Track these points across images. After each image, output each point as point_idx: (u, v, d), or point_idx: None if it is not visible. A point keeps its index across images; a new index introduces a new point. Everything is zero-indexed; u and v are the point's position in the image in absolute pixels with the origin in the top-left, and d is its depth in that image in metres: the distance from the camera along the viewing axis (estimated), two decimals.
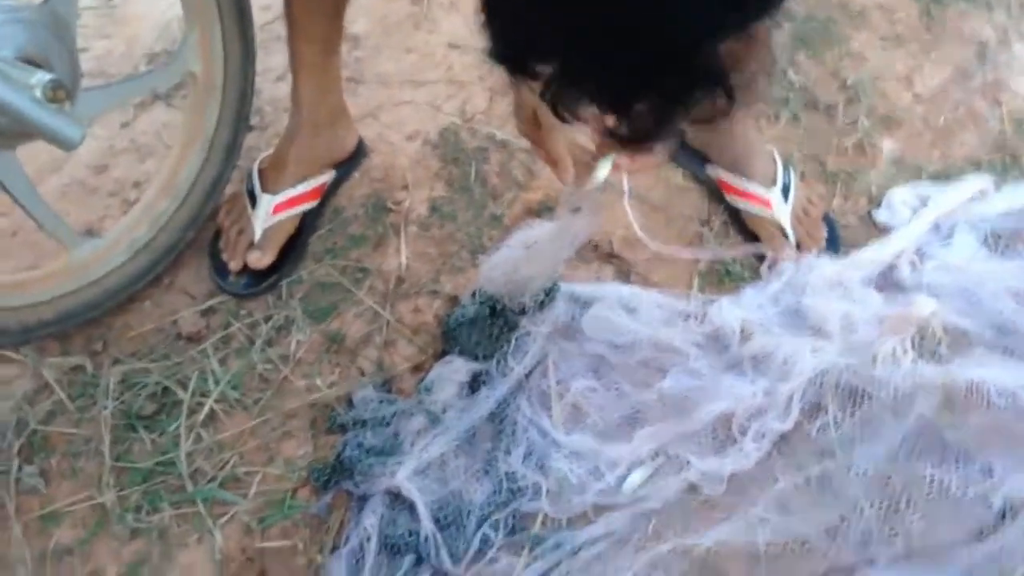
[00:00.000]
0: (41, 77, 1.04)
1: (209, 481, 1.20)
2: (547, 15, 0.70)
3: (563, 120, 0.78)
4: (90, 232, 1.43)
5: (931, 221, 1.43)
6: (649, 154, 1.06)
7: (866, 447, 1.19)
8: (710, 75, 0.72)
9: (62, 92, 1.06)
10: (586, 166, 1.06)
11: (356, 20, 1.76)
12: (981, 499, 1.12)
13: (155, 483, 1.20)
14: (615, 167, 1.05)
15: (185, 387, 1.27)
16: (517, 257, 1.26)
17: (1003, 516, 1.12)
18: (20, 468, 1.20)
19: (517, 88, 1.03)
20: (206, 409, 1.25)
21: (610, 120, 0.79)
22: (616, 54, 0.68)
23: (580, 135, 1.03)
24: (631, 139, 0.79)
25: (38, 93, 1.04)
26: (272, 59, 1.64)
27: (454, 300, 1.38)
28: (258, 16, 1.66)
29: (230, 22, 1.32)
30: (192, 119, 1.37)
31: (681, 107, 0.74)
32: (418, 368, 1.33)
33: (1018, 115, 1.63)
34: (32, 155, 1.28)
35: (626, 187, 1.25)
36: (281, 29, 1.38)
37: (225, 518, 1.18)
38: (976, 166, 1.54)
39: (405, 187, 1.52)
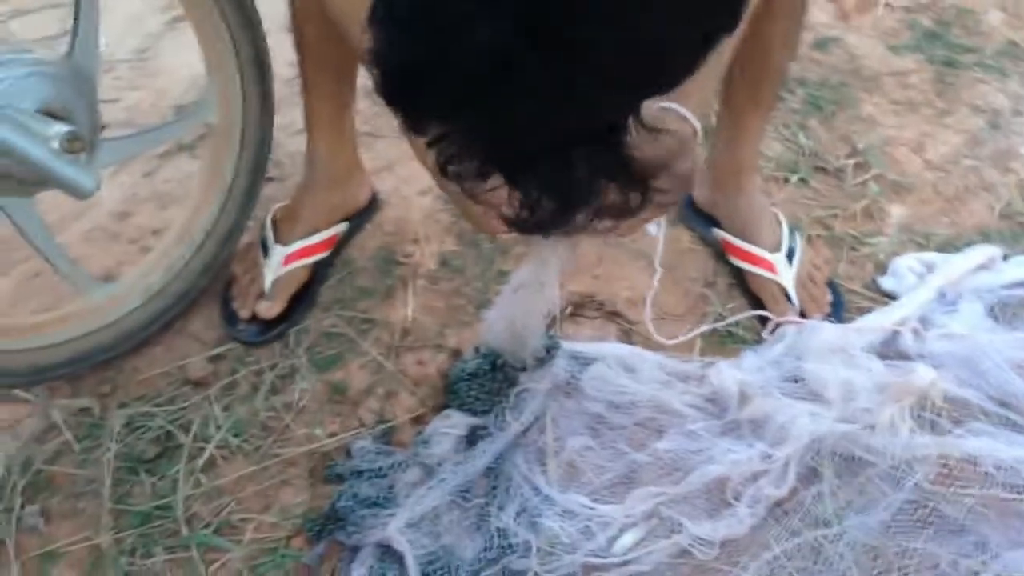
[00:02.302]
0: (59, 129, 1.09)
1: (205, 527, 1.22)
2: (440, 55, 0.61)
3: (452, 187, 0.73)
4: (108, 277, 1.47)
5: (936, 289, 1.43)
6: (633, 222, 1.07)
7: (860, 517, 1.19)
8: (620, 164, 0.69)
9: (79, 143, 1.11)
10: None
11: None
12: (974, 575, 1.11)
13: (152, 526, 1.22)
14: None
15: (188, 431, 1.30)
16: (511, 305, 1.28)
17: None
18: (23, 507, 1.23)
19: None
20: (206, 454, 1.28)
21: (503, 200, 0.74)
22: (521, 119, 0.63)
23: None
24: (528, 226, 0.74)
25: (55, 144, 1.09)
26: (293, 113, 1.67)
27: (458, 354, 1.40)
28: (284, 71, 1.72)
29: (250, 76, 1.37)
30: (210, 169, 1.41)
31: (587, 193, 0.70)
32: (418, 420, 1.34)
33: None
34: (57, 203, 1.34)
35: (655, 283, 1.26)
36: None
37: (217, 564, 1.19)
38: (985, 235, 1.54)
39: (416, 240, 1.55)
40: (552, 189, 0.70)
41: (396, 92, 0.66)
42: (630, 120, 0.68)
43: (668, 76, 0.67)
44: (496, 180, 0.71)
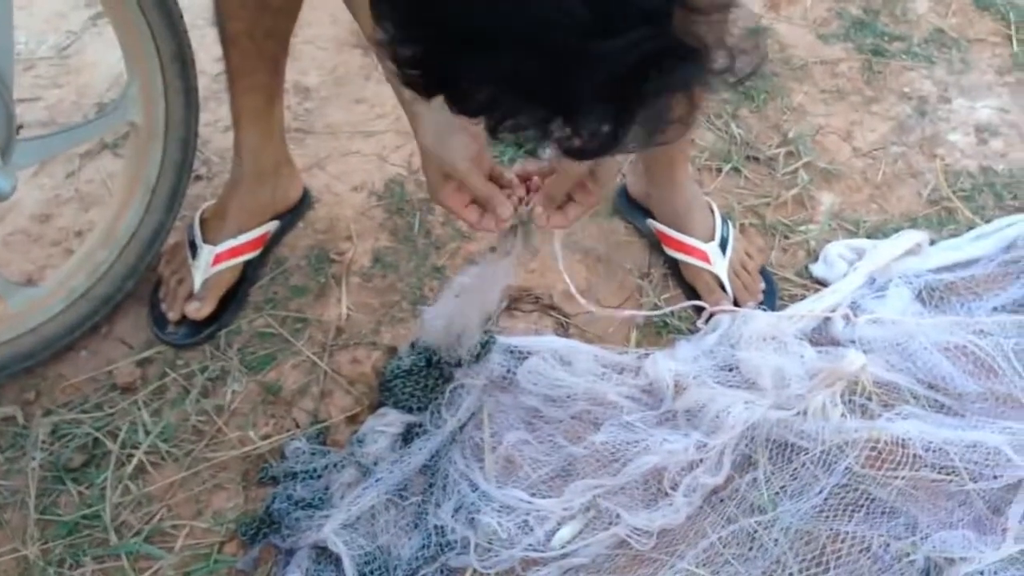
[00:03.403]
0: None
1: (135, 535, 1.19)
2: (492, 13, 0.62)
3: (503, 140, 0.72)
4: (30, 281, 1.43)
5: (866, 275, 1.45)
6: (562, 216, 1.07)
7: (794, 502, 1.20)
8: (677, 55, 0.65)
9: None
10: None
11: (307, 72, 1.78)
12: (904, 556, 1.13)
13: (80, 536, 1.19)
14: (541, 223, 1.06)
15: (115, 438, 1.27)
16: (451, 307, 1.27)
17: (927, 574, 1.13)
18: None
19: (428, 149, 1.04)
20: (135, 461, 1.25)
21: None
22: (569, 55, 0.63)
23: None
24: (585, 152, 0.72)
25: None
26: (222, 110, 1.65)
27: (393, 351, 1.39)
28: (211, 67, 1.69)
29: (172, 73, 1.33)
30: (133, 168, 1.38)
31: (639, 108, 0.68)
32: (354, 419, 1.33)
33: (954, 170, 1.65)
34: None
35: (559, 252, 1.26)
36: None
37: (149, 573, 1.17)
38: (913, 221, 1.56)
39: (349, 238, 1.53)
40: (624, 113, 0.68)
41: (441, 78, 0.68)
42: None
43: None
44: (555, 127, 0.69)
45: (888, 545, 1.13)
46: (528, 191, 1.08)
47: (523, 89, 0.67)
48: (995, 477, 1.19)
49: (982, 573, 1.10)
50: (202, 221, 1.45)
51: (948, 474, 1.20)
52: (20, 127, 1.23)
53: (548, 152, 0.94)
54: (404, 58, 0.67)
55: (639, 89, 0.66)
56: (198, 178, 1.59)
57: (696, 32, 0.65)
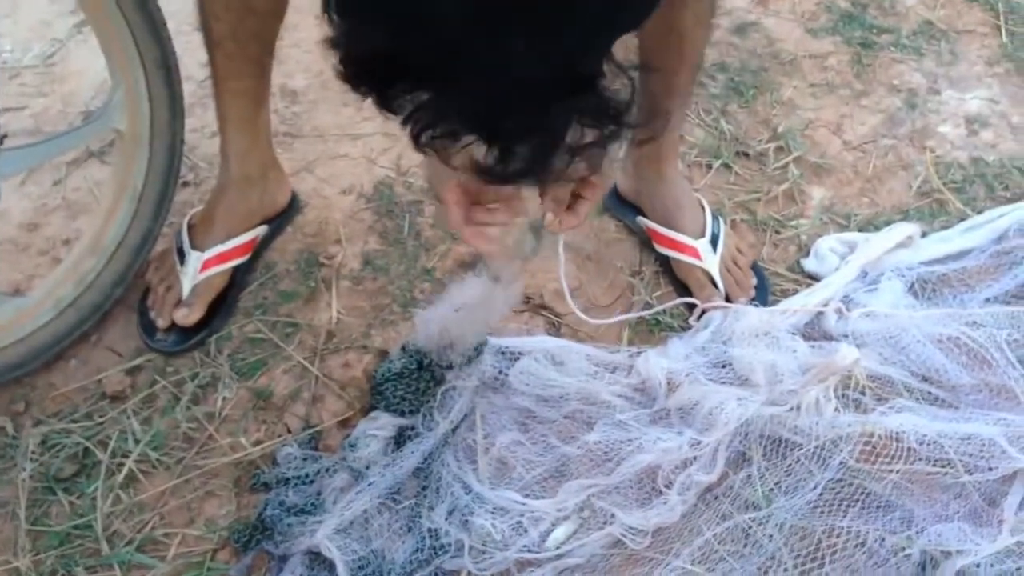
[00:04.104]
0: None
1: (127, 544, 1.19)
2: (413, 30, 0.66)
3: (423, 152, 0.75)
4: (18, 291, 1.42)
5: (858, 269, 1.44)
6: (574, 217, 1.07)
7: (788, 498, 1.19)
8: (593, 101, 0.70)
9: None
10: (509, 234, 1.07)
11: (294, 75, 1.77)
12: (900, 550, 1.12)
13: (72, 547, 1.18)
14: (547, 225, 1.05)
15: (106, 447, 1.26)
16: (448, 318, 1.26)
17: (923, 567, 1.12)
18: None
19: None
20: (126, 470, 1.24)
21: (480, 156, 0.76)
22: (498, 76, 0.66)
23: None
24: (510, 174, 0.75)
25: None
26: (208, 115, 1.64)
27: (384, 354, 1.38)
28: (197, 72, 1.68)
29: (156, 78, 1.33)
30: (120, 176, 1.37)
31: (563, 135, 0.72)
32: (346, 423, 1.32)
33: (945, 161, 1.65)
34: None
35: (562, 256, 1.26)
36: None
37: None
38: (904, 214, 1.56)
39: (338, 241, 1.52)
40: (529, 138, 0.72)
41: (368, 75, 0.70)
42: (602, 62, 0.70)
43: (635, 13, 0.72)
44: (470, 138, 0.73)
45: (884, 539, 1.13)
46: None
47: (446, 102, 0.70)
48: (990, 469, 1.19)
49: (978, 566, 1.10)
50: (190, 227, 1.44)
51: (943, 467, 1.20)
52: (4, 136, 1.22)
53: None
54: (345, 56, 0.70)
55: (551, 116, 0.70)
56: (185, 184, 1.58)
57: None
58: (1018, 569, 1.09)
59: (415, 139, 0.73)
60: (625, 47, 0.73)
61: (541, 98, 0.69)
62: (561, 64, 0.68)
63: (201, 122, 1.66)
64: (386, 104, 0.72)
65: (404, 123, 0.73)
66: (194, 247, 1.41)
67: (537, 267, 1.46)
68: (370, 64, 0.70)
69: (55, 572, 1.16)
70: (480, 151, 0.76)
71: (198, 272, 1.39)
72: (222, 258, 1.41)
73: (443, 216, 1.09)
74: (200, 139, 1.65)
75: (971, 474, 1.19)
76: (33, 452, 1.25)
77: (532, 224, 1.09)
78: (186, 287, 1.39)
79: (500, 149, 0.73)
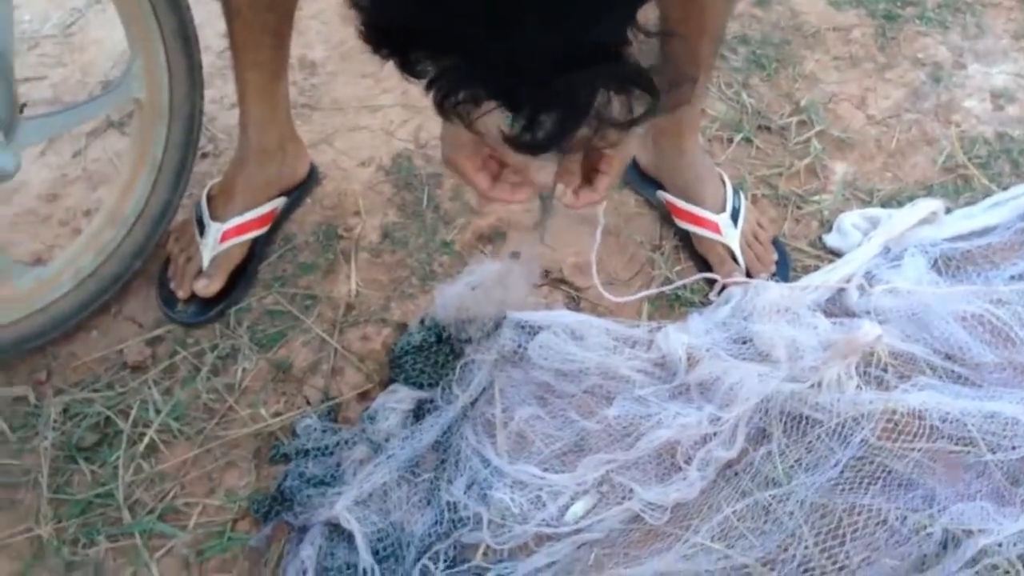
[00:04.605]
0: None
1: (148, 513, 1.19)
2: None
3: (448, 119, 0.74)
4: (39, 261, 1.43)
5: (881, 245, 1.43)
6: (592, 192, 1.06)
7: (809, 475, 1.19)
8: (618, 69, 0.69)
9: None
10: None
11: (313, 46, 1.76)
12: (921, 528, 1.12)
13: (93, 515, 1.19)
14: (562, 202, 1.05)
15: (127, 417, 1.27)
16: (465, 295, 1.26)
17: (945, 546, 1.12)
18: None
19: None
20: (147, 440, 1.25)
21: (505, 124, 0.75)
22: (518, 43, 0.65)
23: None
24: (535, 144, 0.74)
25: None
26: (228, 87, 1.64)
27: (403, 327, 1.38)
28: (216, 43, 1.67)
29: (174, 48, 1.32)
30: (139, 146, 1.37)
31: (589, 104, 0.71)
32: (365, 396, 1.32)
33: (970, 136, 1.63)
34: None
35: (599, 237, 1.25)
36: None
37: (162, 551, 1.16)
38: (928, 189, 1.54)
39: (357, 213, 1.52)
40: (555, 107, 0.70)
41: (390, 39, 0.69)
42: (629, 29, 0.69)
43: None
44: (492, 105, 0.72)
45: (905, 518, 1.12)
46: None
47: (469, 68, 0.69)
48: (1013, 448, 1.18)
49: (1000, 545, 1.09)
50: (209, 199, 1.44)
51: (966, 445, 1.19)
52: (24, 105, 1.21)
53: None
54: (367, 20, 0.69)
55: (576, 85, 0.69)
56: (204, 155, 1.58)
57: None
58: None
59: (438, 104, 0.72)
60: (646, 18, 0.72)
61: (560, 66, 0.68)
62: (577, 31, 0.66)
63: (220, 93, 1.65)
64: (408, 69, 0.71)
65: (427, 88, 0.72)
66: (213, 218, 1.41)
67: (558, 241, 1.46)
68: (392, 29, 0.69)
69: (77, 540, 1.17)
70: (506, 119, 0.75)
71: (218, 243, 1.39)
72: (241, 229, 1.41)
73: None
74: (219, 110, 1.64)
75: (994, 453, 1.18)
76: (55, 421, 1.26)
77: (545, 198, 1.09)
78: (206, 258, 1.39)
79: (526, 117, 0.72)
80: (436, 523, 1.18)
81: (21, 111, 1.21)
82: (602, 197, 1.09)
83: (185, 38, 1.32)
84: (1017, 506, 1.13)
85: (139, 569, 1.15)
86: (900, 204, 1.51)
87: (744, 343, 1.33)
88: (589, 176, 1.07)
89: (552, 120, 0.72)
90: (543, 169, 1.03)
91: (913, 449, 1.19)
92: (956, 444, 1.19)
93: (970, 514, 1.12)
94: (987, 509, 1.12)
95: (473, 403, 1.29)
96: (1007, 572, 1.07)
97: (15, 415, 1.28)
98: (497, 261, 1.19)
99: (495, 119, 0.76)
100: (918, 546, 1.11)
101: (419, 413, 1.28)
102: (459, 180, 1.09)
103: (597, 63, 0.69)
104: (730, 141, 1.61)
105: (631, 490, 1.20)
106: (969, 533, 1.10)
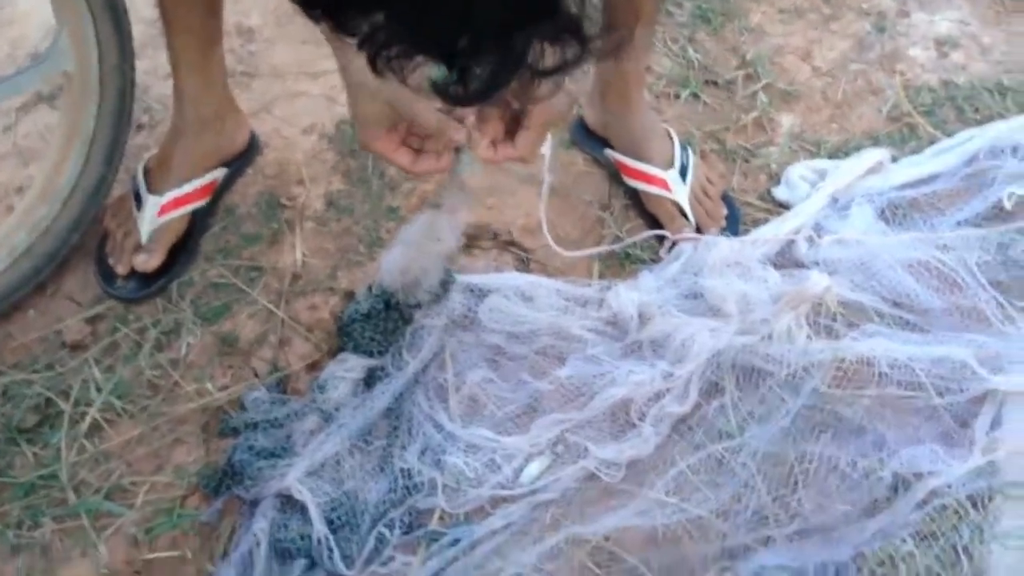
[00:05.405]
0: None
1: (94, 493, 1.17)
2: None
3: (380, 76, 0.71)
4: None
5: (828, 196, 1.42)
6: (511, 147, 1.04)
7: (761, 426, 1.19)
8: (555, 19, 0.67)
9: None
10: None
11: (249, 13, 1.72)
12: (872, 473, 1.12)
13: (37, 497, 1.16)
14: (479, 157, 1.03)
15: (68, 397, 1.24)
16: (406, 256, 1.24)
17: (895, 490, 1.13)
18: None
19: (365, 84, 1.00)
20: (89, 419, 1.22)
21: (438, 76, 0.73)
22: None
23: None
24: (467, 96, 0.72)
25: None
26: (161, 56, 1.58)
27: (351, 296, 1.36)
28: (147, 12, 1.62)
29: (102, 19, 1.28)
30: (70, 120, 1.33)
31: (523, 54, 0.69)
32: (314, 366, 1.30)
33: (915, 85, 1.63)
34: None
35: (544, 191, 1.23)
36: None
37: (110, 530, 1.14)
38: (874, 139, 1.54)
39: (301, 182, 1.49)
40: (488, 58, 0.68)
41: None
42: None
43: None
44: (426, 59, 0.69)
45: (856, 463, 1.13)
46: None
47: (404, 23, 0.66)
48: (961, 391, 1.19)
49: (950, 486, 1.10)
50: (146, 171, 1.40)
51: (914, 390, 1.20)
52: None
53: None
54: None
55: (510, 35, 0.67)
56: (140, 127, 1.54)
57: None
58: (988, 488, 1.10)
59: (371, 61, 0.70)
60: None
61: (496, 16, 0.66)
62: None
63: (154, 63, 1.60)
64: (342, 27, 0.69)
65: (359, 45, 0.70)
66: (151, 191, 1.37)
67: (506, 204, 1.44)
68: None
69: (21, 523, 1.15)
70: (438, 72, 0.73)
71: (156, 217, 1.36)
72: (180, 202, 1.38)
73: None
74: (154, 80, 1.60)
75: (942, 396, 1.19)
76: None
77: (459, 150, 1.07)
78: (144, 232, 1.35)
79: (458, 69, 0.70)
80: (390, 490, 1.17)
81: None
82: (523, 153, 1.07)
83: (113, 7, 1.27)
84: (965, 447, 1.15)
85: (87, 549, 1.13)
86: (847, 155, 1.50)
87: (695, 298, 1.32)
88: (512, 132, 1.06)
89: (485, 71, 0.71)
90: (461, 131, 1.02)
91: (863, 396, 1.20)
92: (905, 389, 1.20)
93: (920, 457, 1.13)
94: (936, 452, 1.13)
95: (424, 369, 1.27)
96: (956, 512, 1.08)
97: None
98: (423, 214, 1.17)
99: (424, 73, 0.74)
100: (869, 491, 1.12)
101: (370, 381, 1.26)
102: (383, 160, 1.08)
103: (532, 13, 0.67)
104: (677, 97, 1.60)
105: (586, 449, 1.20)
106: (919, 476, 1.12)
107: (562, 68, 0.73)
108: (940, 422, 1.18)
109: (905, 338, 1.25)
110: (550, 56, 0.73)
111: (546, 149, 1.14)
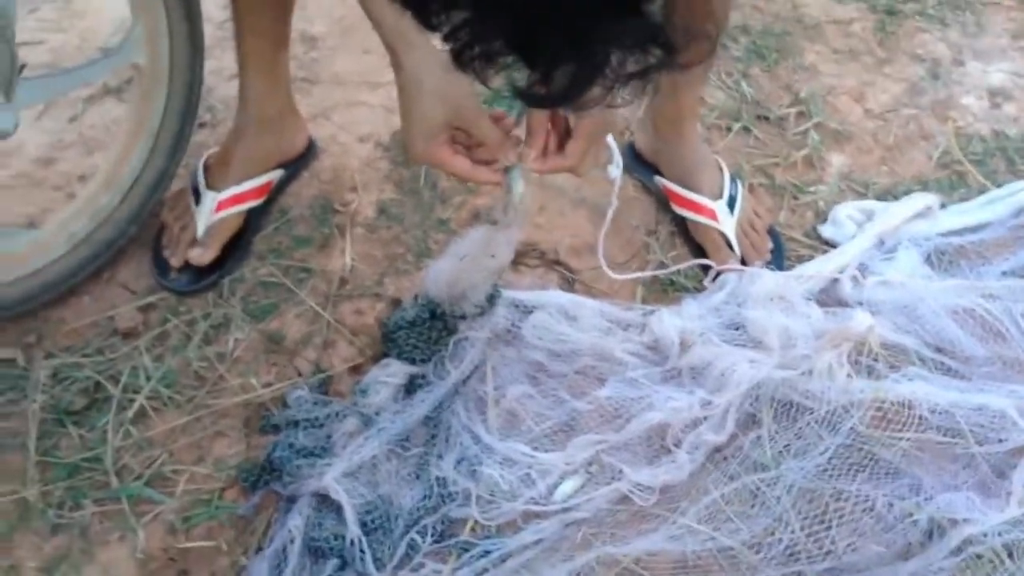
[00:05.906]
0: None
1: (136, 479, 1.19)
2: None
3: (464, 72, 0.72)
4: (32, 224, 1.42)
5: (875, 236, 1.43)
6: (560, 157, 1.05)
7: (797, 461, 1.19)
8: (638, 24, 0.67)
9: None
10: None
11: (314, 21, 1.75)
12: (907, 516, 1.12)
13: (80, 479, 1.19)
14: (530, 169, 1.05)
15: (117, 382, 1.26)
16: (455, 268, 1.26)
17: (930, 535, 1.13)
18: None
19: (428, 91, 1.01)
20: (136, 405, 1.24)
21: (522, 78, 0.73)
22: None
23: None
24: (548, 98, 0.73)
25: None
26: (227, 57, 1.63)
27: (397, 303, 1.38)
28: (217, 14, 1.67)
29: (176, 15, 1.31)
30: (137, 112, 1.36)
31: (606, 59, 0.69)
32: (357, 370, 1.32)
33: (966, 133, 1.63)
34: None
35: (609, 215, 1.25)
36: None
37: (149, 516, 1.16)
38: (923, 184, 1.55)
39: (354, 188, 1.51)
40: (569, 61, 0.69)
41: None
42: None
43: None
44: (509, 60, 0.70)
45: (892, 505, 1.13)
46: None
47: (490, 18, 0.66)
48: (1000, 441, 1.19)
49: (986, 535, 1.10)
50: (206, 168, 1.43)
51: (953, 437, 1.20)
52: (23, 66, 1.20)
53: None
54: None
55: (593, 39, 0.67)
56: (202, 125, 1.57)
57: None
58: None
59: (456, 57, 0.71)
60: None
61: (579, 20, 0.67)
62: None
63: (220, 64, 1.64)
64: (425, 22, 0.71)
65: (444, 40, 0.70)
66: (209, 187, 1.40)
67: (555, 224, 1.46)
68: None
69: (63, 503, 1.17)
70: (520, 74, 0.74)
71: (213, 212, 1.38)
72: (237, 199, 1.41)
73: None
74: (218, 81, 1.63)
75: (981, 445, 1.19)
76: (44, 384, 1.25)
77: (515, 168, 1.07)
78: (200, 227, 1.38)
79: (540, 72, 0.71)
80: (425, 497, 1.19)
81: (21, 71, 1.20)
82: (573, 163, 1.07)
83: (187, 4, 1.31)
84: (1002, 498, 1.14)
85: (125, 533, 1.15)
86: (895, 198, 1.51)
87: (737, 329, 1.33)
88: (563, 143, 1.07)
89: (566, 74, 0.71)
90: (514, 141, 1.03)
91: (901, 438, 1.20)
92: (944, 435, 1.20)
93: (956, 504, 1.13)
94: (973, 499, 1.13)
95: (465, 380, 1.29)
96: (991, 561, 1.08)
97: (3, 378, 1.27)
98: (479, 229, 1.19)
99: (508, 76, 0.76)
100: (904, 533, 1.12)
101: (411, 388, 1.28)
102: (439, 171, 1.08)
103: (619, 17, 0.68)
104: (728, 130, 1.62)
105: (620, 471, 1.21)
106: (954, 523, 1.11)
107: (645, 73, 0.74)
108: (978, 471, 1.18)
109: (946, 384, 1.25)
110: (631, 63, 0.74)
111: (616, 174, 1.16)
